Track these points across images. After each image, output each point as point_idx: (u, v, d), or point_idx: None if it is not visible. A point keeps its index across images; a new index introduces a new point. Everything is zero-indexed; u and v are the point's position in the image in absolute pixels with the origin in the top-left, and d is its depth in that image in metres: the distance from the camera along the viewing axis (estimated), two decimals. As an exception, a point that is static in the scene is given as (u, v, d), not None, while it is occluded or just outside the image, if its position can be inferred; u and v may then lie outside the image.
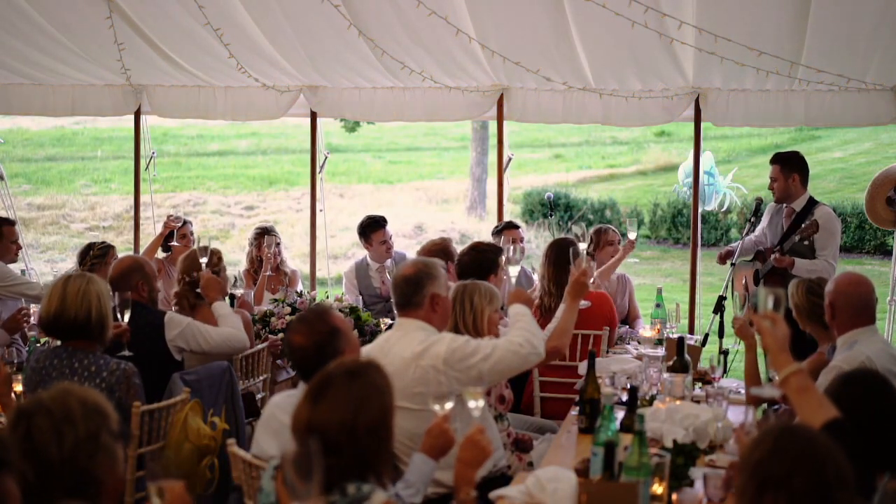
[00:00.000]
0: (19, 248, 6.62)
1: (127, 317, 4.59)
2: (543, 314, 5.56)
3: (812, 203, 6.52)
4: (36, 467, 2.24)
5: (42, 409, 2.31)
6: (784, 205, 6.61)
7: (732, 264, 6.64)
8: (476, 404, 3.06)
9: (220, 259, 5.39)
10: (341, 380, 2.66)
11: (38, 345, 5.34)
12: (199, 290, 5.17)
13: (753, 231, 6.82)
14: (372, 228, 7.25)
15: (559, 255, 5.55)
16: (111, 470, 2.33)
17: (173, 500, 2.36)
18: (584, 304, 4.91)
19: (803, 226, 6.26)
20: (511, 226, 7.02)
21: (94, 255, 6.31)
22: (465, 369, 3.73)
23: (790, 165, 6.56)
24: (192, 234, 7.38)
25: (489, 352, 3.77)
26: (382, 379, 2.72)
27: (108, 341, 4.25)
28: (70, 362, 4.11)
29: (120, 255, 6.57)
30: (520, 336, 3.86)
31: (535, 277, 6.57)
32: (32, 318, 5.96)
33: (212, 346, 4.81)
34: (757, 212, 6.76)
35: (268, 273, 7.00)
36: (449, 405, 3.13)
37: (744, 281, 6.55)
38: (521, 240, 7.05)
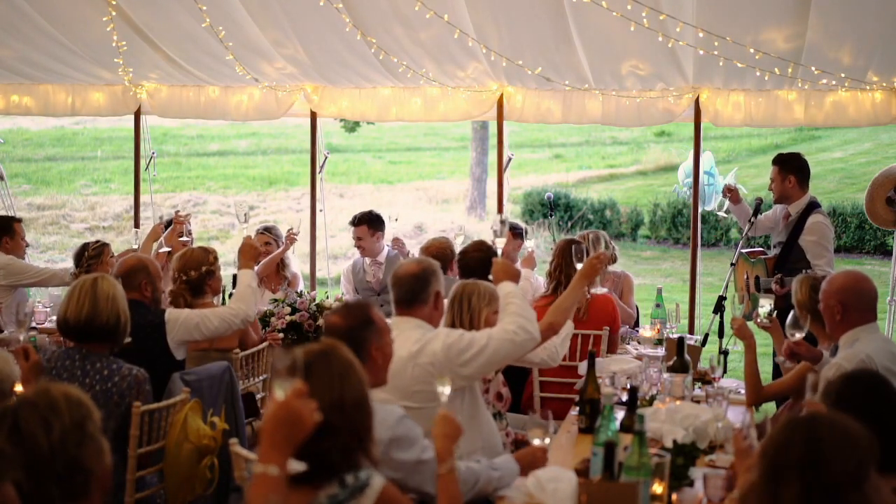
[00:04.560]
0: (26, 244, 6.90)
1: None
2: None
3: (811, 208, 6.43)
4: (26, 459, 2.25)
5: (26, 404, 2.35)
6: (784, 206, 6.59)
7: (732, 264, 6.63)
8: (443, 390, 3.08)
9: (215, 258, 5.39)
10: (319, 361, 2.67)
11: (43, 345, 5.33)
12: (195, 288, 5.19)
13: (752, 228, 6.77)
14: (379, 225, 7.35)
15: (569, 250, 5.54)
16: (99, 460, 2.35)
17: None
18: (601, 290, 4.80)
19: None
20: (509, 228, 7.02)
21: (90, 256, 6.32)
22: (464, 363, 3.75)
23: (788, 167, 6.53)
24: (190, 233, 7.36)
25: (484, 343, 3.78)
26: (350, 354, 2.75)
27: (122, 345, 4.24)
28: (83, 364, 4.09)
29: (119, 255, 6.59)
30: (513, 323, 3.84)
31: (537, 278, 6.57)
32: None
33: (213, 332, 4.82)
34: (757, 212, 6.74)
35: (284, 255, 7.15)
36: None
37: (745, 276, 6.53)
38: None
